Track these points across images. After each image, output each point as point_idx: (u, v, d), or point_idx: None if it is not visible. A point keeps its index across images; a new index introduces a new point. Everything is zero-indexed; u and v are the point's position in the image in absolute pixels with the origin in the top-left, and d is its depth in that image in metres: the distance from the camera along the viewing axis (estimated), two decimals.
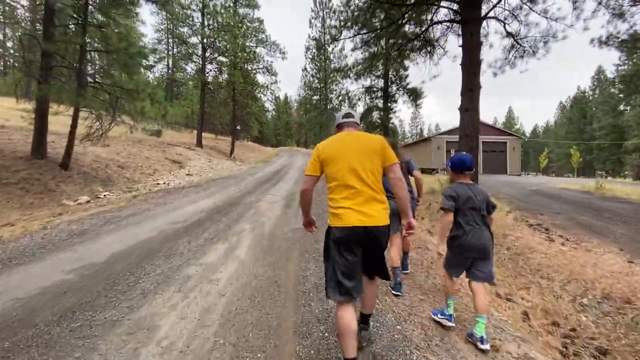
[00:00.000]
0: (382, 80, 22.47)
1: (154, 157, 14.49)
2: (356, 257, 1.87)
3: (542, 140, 61.06)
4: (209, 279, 3.18)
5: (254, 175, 14.41)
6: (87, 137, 10.08)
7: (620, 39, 10.38)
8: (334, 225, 1.91)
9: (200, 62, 20.84)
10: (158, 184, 11.51)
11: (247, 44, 26.96)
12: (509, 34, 10.99)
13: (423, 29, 12.53)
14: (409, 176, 3.48)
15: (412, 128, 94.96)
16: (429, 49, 13.39)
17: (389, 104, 21.61)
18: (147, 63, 12.73)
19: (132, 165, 12.50)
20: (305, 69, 43.94)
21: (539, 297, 3.45)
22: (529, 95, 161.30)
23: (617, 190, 10.92)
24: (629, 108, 49.04)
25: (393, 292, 3.02)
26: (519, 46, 11.14)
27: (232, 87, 22.72)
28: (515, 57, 11.41)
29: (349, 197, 1.89)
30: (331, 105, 42.76)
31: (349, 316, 1.78)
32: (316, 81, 45.02)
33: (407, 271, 3.60)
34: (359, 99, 22.32)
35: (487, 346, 2.19)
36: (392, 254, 3.10)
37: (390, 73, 22.09)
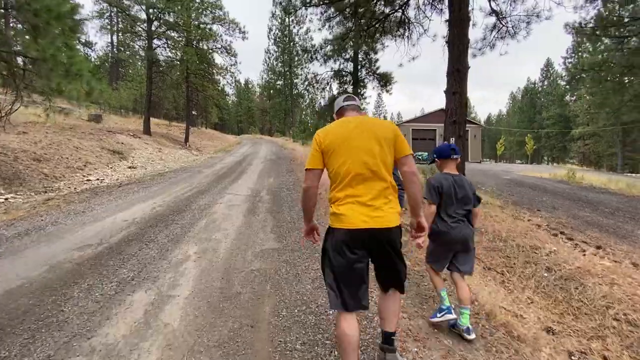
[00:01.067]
0: (352, 64, 21.13)
1: (86, 147, 11.98)
2: (360, 262, 1.63)
3: (501, 128, 64.00)
4: None
5: (212, 167, 12.52)
6: None
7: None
8: (333, 226, 1.67)
9: (146, 37, 17.86)
10: (89, 180, 9.31)
11: (203, 19, 24.11)
12: (493, 11, 10.11)
13: (400, 3, 11.30)
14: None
15: (376, 116, 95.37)
16: (406, 27, 12.21)
17: (359, 90, 20.37)
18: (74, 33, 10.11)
19: (55, 158, 10.06)
20: (269, 50, 41.24)
21: (626, 355, 2.35)
22: (479, 86, 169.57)
23: (592, 179, 10.72)
24: (574, 98, 52.62)
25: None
26: (501, 26, 10.36)
27: (185, 66, 20.04)
28: (496, 37, 10.66)
29: (354, 194, 1.64)
30: (297, 90, 40.75)
31: (348, 327, 1.58)
32: (280, 65, 42.56)
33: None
34: (328, 84, 20.81)
35: (473, 336, 2.13)
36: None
37: (359, 56, 20.83)
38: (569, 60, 52.65)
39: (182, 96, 21.80)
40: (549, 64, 64.23)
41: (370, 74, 21.05)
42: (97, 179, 9.52)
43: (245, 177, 9.79)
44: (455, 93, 8.31)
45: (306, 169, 1.75)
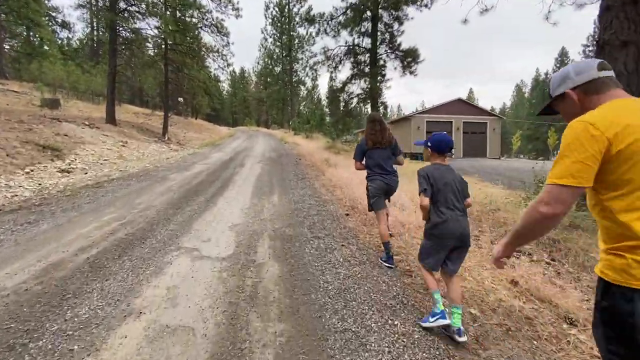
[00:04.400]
0: (369, 40, 17.14)
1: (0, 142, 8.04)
2: None
3: (522, 121, 60.25)
4: None
5: (186, 170, 8.64)
6: None
7: None
8: (625, 283, 0.94)
9: None
10: None
11: None
12: None
13: None
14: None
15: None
16: None
17: (379, 71, 16.45)
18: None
19: None
20: (266, 30, 36.82)
21: None
22: (479, 81, 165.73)
23: None
24: None
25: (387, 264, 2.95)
26: None
27: (163, 39, 15.95)
28: None
29: None
30: (297, 77, 36.60)
31: None
32: (277, 50, 38.28)
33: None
34: (340, 62, 16.83)
35: (464, 338, 1.92)
36: (382, 231, 3.02)
37: (379, 26, 16.84)
38: (590, 49, 49.07)
39: (160, 77, 17.58)
40: (563, 54, 60.53)
41: (391, 50, 17.08)
42: None
43: (231, 193, 5.92)
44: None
45: (560, 185, 0.98)
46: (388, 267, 2.90)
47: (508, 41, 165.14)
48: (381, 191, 3.09)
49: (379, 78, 16.04)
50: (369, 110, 17.93)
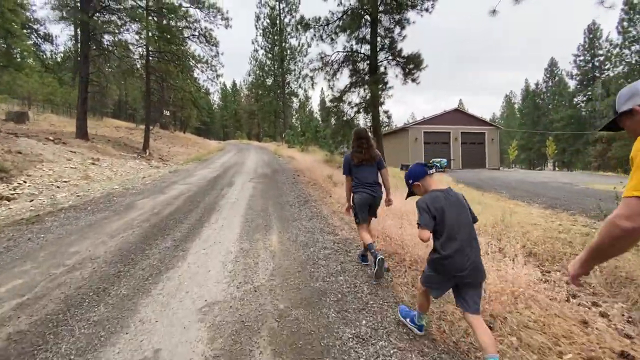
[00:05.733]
0: (368, 46, 16.01)
1: None
2: None
3: (521, 131, 60.08)
4: None
5: (163, 192, 7.02)
6: None
7: None
8: None
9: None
10: None
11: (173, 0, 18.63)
12: None
13: None
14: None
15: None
16: None
17: (380, 78, 15.22)
18: None
19: None
20: (256, 42, 35.76)
21: None
22: (465, 93, 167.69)
23: None
24: (585, 99, 49.24)
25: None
26: None
27: (145, 46, 14.51)
28: None
29: None
30: (289, 89, 35.44)
31: None
32: (269, 62, 37.19)
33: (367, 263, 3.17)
34: (338, 70, 15.57)
35: None
36: (364, 236, 3.01)
37: (379, 30, 15.76)
38: (581, 58, 49.45)
39: (141, 89, 15.98)
40: (553, 64, 61.19)
41: (392, 57, 15.93)
42: None
43: (211, 230, 4.33)
44: None
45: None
46: (362, 263, 3.11)
47: (490, 55, 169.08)
48: (366, 202, 3.07)
49: (380, 86, 14.79)
50: (369, 120, 16.65)
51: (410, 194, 2.06)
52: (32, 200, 6.31)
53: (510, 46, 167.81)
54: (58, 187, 7.57)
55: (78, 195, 6.79)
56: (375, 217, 3.22)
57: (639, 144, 0.98)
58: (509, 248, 3.74)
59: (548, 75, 61.21)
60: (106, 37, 13.35)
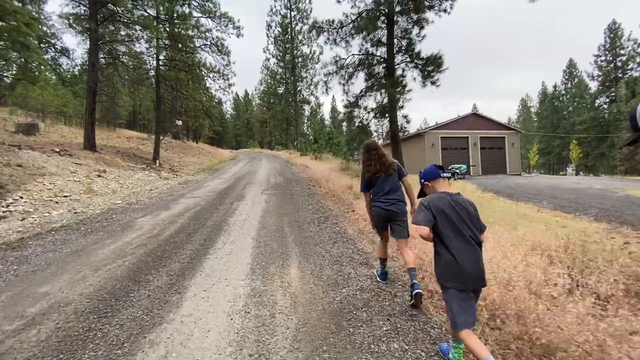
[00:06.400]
0: (384, 49, 15.28)
1: None
2: None
3: (544, 134, 58.04)
4: None
5: (167, 208, 6.35)
6: None
7: None
8: None
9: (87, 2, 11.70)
10: None
11: (184, 9, 18.49)
12: None
13: None
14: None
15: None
16: None
17: (398, 81, 14.43)
18: None
19: None
20: (268, 50, 35.59)
21: None
22: (485, 96, 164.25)
23: None
24: (607, 100, 47.05)
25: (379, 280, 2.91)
26: None
27: (155, 55, 14.20)
28: None
29: None
30: (301, 97, 35.00)
31: None
32: (280, 70, 36.96)
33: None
34: (353, 74, 14.86)
35: None
36: (379, 247, 2.95)
37: (395, 31, 15.05)
38: (602, 58, 47.47)
39: (152, 98, 15.63)
40: (571, 65, 59.09)
41: (410, 59, 15.14)
42: None
43: (217, 260, 3.55)
44: None
45: None
46: (379, 282, 2.85)
47: (498, 59, 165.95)
48: (381, 219, 2.84)
49: (399, 89, 13.98)
50: (387, 126, 15.82)
51: (422, 194, 2.04)
52: (24, 219, 5.72)
53: (516, 50, 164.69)
54: (57, 202, 7.00)
55: (75, 212, 6.18)
56: (406, 237, 2.78)
57: None
58: (594, 283, 2.84)
59: (567, 77, 59.11)
60: (116, 46, 13.06)
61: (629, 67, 45.96)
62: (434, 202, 1.79)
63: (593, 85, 50.91)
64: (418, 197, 2.08)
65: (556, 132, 57.29)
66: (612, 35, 46.74)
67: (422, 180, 2.01)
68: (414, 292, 2.31)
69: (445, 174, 1.95)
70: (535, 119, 71.28)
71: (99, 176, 10.10)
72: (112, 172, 10.98)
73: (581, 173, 51.36)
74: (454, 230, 1.72)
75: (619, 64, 46.36)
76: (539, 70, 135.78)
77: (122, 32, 11.45)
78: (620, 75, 45.91)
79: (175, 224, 5.14)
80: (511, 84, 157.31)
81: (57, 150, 10.53)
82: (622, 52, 46.33)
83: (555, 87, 62.07)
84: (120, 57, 13.51)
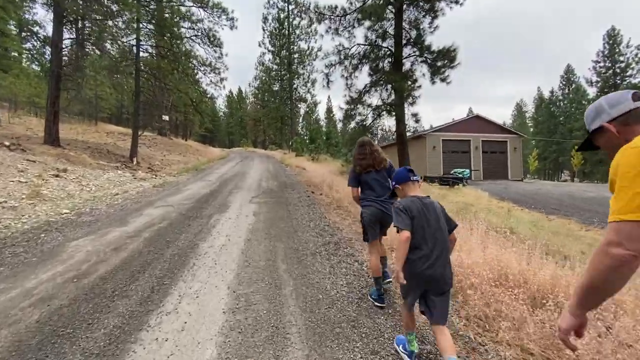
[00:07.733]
0: (391, 41, 13.87)
1: None
2: None
3: (546, 139, 57.41)
4: None
5: (125, 223, 4.76)
6: None
7: None
8: None
9: None
10: None
11: None
12: None
13: None
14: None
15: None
16: None
17: (407, 73, 13.01)
18: None
19: None
20: (263, 44, 33.95)
21: None
22: (478, 102, 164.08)
23: None
24: None
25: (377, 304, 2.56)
26: None
27: (136, 39, 12.52)
28: None
29: None
30: (297, 94, 33.44)
31: None
32: (276, 66, 35.37)
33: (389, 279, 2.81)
34: (357, 67, 13.40)
35: None
36: (374, 264, 2.69)
37: (404, 23, 13.67)
38: (601, 64, 47.01)
39: (143, 88, 13.80)
40: (569, 71, 58.75)
41: (420, 52, 13.72)
42: None
43: (157, 344, 2.04)
44: None
45: (630, 221, 0.84)
46: (378, 306, 2.51)
47: (492, 65, 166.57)
48: (376, 219, 2.74)
49: (409, 84, 12.55)
50: (388, 125, 14.40)
51: (392, 195, 2.11)
52: None
53: (507, 57, 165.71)
54: None
55: (15, 224, 4.56)
56: (385, 235, 2.87)
57: (616, 164, 0.92)
58: None
59: (564, 83, 58.69)
60: (86, 24, 11.36)
61: (627, 73, 45.68)
62: (409, 206, 1.81)
63: (592, 91, 50.50)
64: (390, 198, 2.21)
65: (553, 138, 56.87)
66: (611, 42, 46.38)
67: (394, 183, 2.04)
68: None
69: (414, 177, 1.98)
70: (531, 124, 71.01)
71: (57, 176, 8.41)
72: (74, 171, 9.29)
73: (576, 179, 50.90)
74: (420, 233, 1.75)
75: (618, 70, 46.01)
76: (533, 76, 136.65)
77: (95, 7, 9.81)
78: (619, 81, 45.51)
79: (122, 251, 3.57)
80: (505, 90, 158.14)
81: (7, 144, 8.82)
82: (620, 58, 46.00)
83: (552, 92, 61.70)
84: (91, 38, 11.77)
